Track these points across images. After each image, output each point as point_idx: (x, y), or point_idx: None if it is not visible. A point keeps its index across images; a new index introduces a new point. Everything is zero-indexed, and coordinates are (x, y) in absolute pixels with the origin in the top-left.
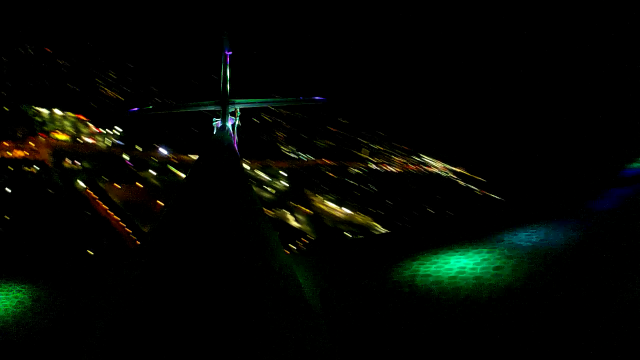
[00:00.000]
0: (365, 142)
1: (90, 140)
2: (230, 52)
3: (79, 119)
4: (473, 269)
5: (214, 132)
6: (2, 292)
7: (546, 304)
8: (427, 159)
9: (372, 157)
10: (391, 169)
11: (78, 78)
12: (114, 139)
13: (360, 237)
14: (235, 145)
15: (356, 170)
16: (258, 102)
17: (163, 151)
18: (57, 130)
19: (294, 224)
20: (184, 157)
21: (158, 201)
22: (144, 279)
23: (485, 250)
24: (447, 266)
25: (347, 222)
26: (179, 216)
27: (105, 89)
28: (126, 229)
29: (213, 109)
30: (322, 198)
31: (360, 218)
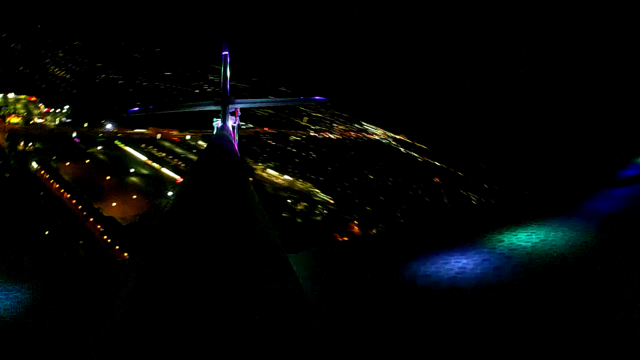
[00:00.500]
0: (306, 110)
1: (41, 121)
2: (226, 53)
3: (30, 100)
4: (473, 269)
5: (214, 132)
6: None
7: (546, 305)
8: (368, 127)
9: (312, 125)
10: (331, 136)
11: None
12: (63, 118)
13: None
14: (236, 146)
15: (296, 138)
16: (258, 102)
17: (110, 126)
18: (10, 114)
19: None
20: (130, 131)
21: (107, 177)
22: (143, 278)
23: (485, 250)
24: (447, 266)
25: (288, 189)
26: (178, 217)
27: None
28: (78, 207)
29: (213, 109)
30: (262, 166)
31: (300, 184)
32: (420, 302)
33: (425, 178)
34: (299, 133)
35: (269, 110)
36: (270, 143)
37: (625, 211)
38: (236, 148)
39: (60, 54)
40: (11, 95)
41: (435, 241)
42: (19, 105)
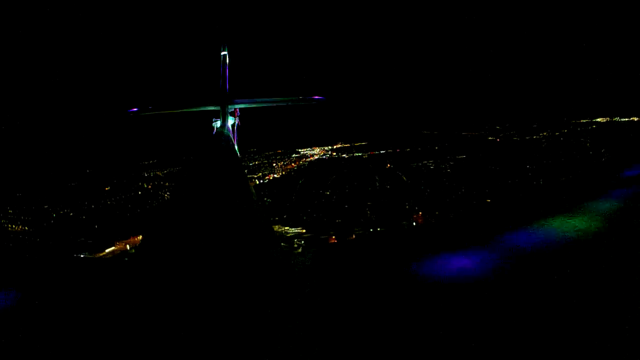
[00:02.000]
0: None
1: None
2: (225, 53)
3: None
4: (473, 269)
5: (214, 132)
6: None
7: (547, 305)
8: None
9: (254, 174)
10: (275, 175)
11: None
12: None
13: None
14: (235, 146)
15: None
16: (258, 102)
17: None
18: None
19: None
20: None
21: None
22: (143, 277)
23: (486, 250)
24: (447, 266)
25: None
26: (176, 217)
27: None
28: None
29: (213, 109)
30: None
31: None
32: (419, 302)
33: (379, 171)
34: None
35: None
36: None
37: (626, 211)
38: (236, 148)
39: None
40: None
41: (434, 241)
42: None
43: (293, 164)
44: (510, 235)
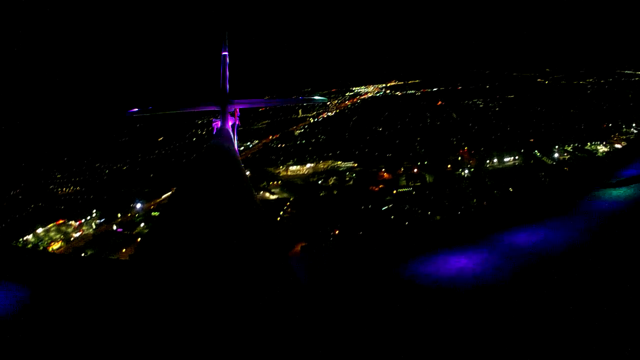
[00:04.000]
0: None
1: (79, 234)
2: (226, 53)
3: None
4: (473, 269)
5: (214, 133)
6: None
7: (547, 305)
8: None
9: (309, 113)
10: (329, 114)
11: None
12: (96, 220)
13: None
14: (235, 146)
15: (299, 131)
16: (258, 103)
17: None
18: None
19: (273, 197)
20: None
21: None
22: (143, 277)
23: (486, 250)
24: (447, 266)
25: (315, 173)
26: (177, 216)
27: None
28: None
29: (213, 109)
30: (283, 167)
31: (322, 165)
32: (419, 302)
33: (430, 109)
34: (301, 125)
35: (263, 122)
36: (280, 147)
37: (626, 211)
38: (236, 148)
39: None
40: (40, 230)
41: (434, 241)
42: (52, 234)
43: (347, 102)
44: (511, 233)
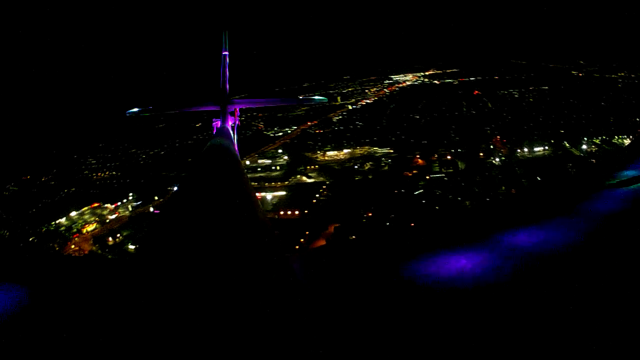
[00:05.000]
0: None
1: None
2: (227, 52)
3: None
4: (473, 269)
5: (214, 132)
6: None
7: (547, 305)
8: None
9: (347, 100)
10: (367, 101)
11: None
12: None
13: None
14: (235, 146)
15: (338, 118)
16: (258, 102)
17: None
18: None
19: (310, 180)
20: None
21: None
22: (142, 277)
23: (486, 250)
24: (447, 266)
25: (351, 159)
26: (177, 216)
27: None
28: None
29: (213, 109)
30: (321, 152)
31: (359, 151)
32: (420, 302)
33: (466, 96)
34: (339, 112)
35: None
36: (319, 132)
37: (626, 211)
38: (236, 148)
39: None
40: (74, 213)
41: (435, 240)
42: (86, 216)
43: (385, 90)
44: (511, 233)
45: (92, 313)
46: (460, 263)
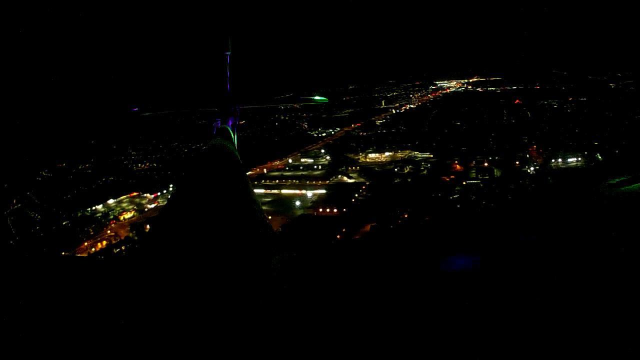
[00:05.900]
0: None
1: (153, 205)
2: (228, 52)
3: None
4: (473, 269)
5: (214, 133)
6: None
7: (547, 305)
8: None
9: (391, 104)
10: (411, 105)
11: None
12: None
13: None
14: (235, 146)
15: (381, 121)
16: (258, 103)
17: None
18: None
19: (351, 180)
20: None
21: None
22: (141, 279)
23: (485, 250)
24: (449, 265)
25: (392, 162)
26: (176, 218)
27: None
28: None
29: (213, 109)
30: (363, 154)
31: (400, 154)
32: (419, 302)
33: (508, 106)
34: (383, 115)
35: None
36: (362, 134)
37: (626, 211)
38: (236, 148)
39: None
40: (111, 201)
41: (435, 240)
42: (124, 204)
43: (429, 95)
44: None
45: (92, 313)
46: (460, 263)
